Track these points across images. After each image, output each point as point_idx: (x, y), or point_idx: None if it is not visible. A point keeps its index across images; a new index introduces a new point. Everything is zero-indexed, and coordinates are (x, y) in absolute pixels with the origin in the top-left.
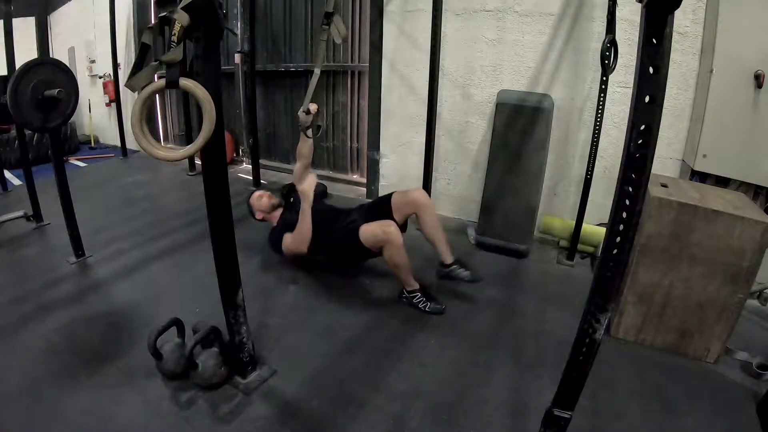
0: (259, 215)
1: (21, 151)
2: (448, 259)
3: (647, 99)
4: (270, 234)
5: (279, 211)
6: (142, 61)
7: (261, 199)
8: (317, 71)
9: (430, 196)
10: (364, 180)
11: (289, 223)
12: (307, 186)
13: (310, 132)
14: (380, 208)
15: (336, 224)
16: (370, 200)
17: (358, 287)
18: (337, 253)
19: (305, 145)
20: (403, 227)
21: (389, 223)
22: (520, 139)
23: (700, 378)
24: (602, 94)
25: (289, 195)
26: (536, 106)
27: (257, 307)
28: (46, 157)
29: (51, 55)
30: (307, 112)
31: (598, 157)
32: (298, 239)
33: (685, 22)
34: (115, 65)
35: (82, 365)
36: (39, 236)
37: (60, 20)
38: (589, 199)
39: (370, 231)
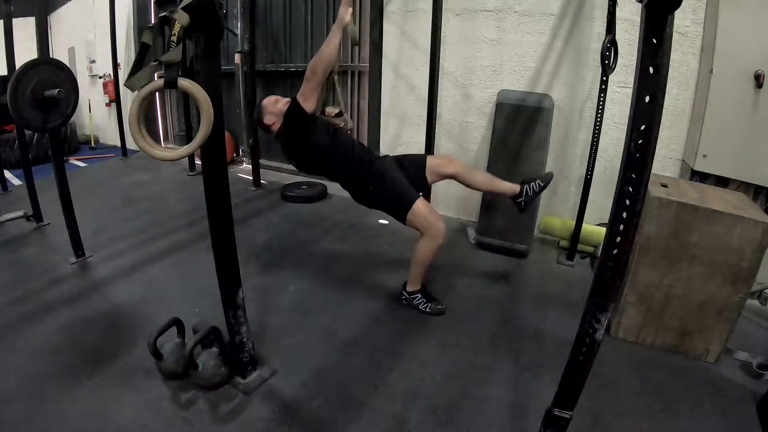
0: (269, 119)
1: (21, 151)
2: (515, 189)
3: (647, 99)
4: (277, 136)
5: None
6: (141, 60)
7: (277, 104)
8: (335, 77)
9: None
10: None
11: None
12: (344, 10)
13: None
14: (415, 166)
15: (371, 159)
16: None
17: (358, 287)
18: (366, 189)
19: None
20: (429, 189)
21: (441, 219)
22: (520, 139)
23: (700, 378)
24: (602, 94)
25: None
26: (536, 106)
27: (257, 307)
28: (46, 157)
29: (51, 55)
30: (338, 114)
31: (598, 157)
32: (316, 60)
33: (685, 22)
34: (115, 65)
35: (82, 365)
36: (39, 236)
37: (60, 20)
38: (589, 199)
39: (425, 215)
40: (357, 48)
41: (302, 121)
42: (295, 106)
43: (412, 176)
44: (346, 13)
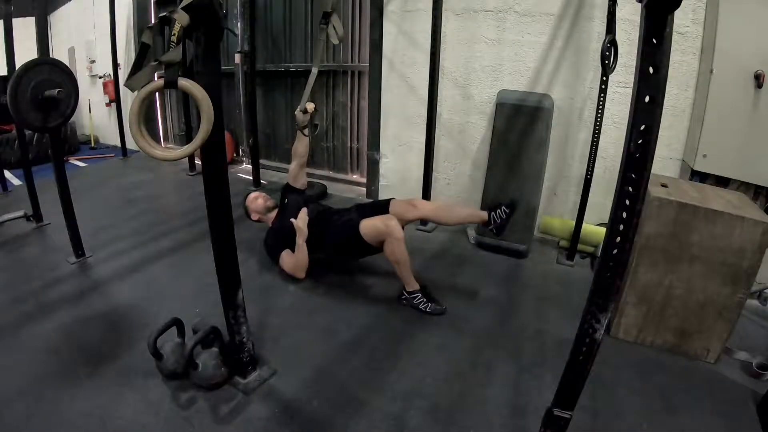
0: (254, 216)
1: (21, 151)
2: (484, 216)
3: (647, 99)
4: (266, 237)
5: (274, 213)
6: (141, 60)
7: (256, 201)
8: (315, 71)
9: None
10: (364, 180)
11: (284, 229)
12: (301, 221)
13: (307, 131)
14: (378, 210)
15: (332, 222)
16: (368, 200)
17: (358, 287)
18: (336, 248)
19: (301, 144)
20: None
21: (390, 217)
22: (520, 139)
23: (700, 378)
24: (602, 94)
25: (284, 196)
26: (536, 106)
27: (257, 307)
28: (46, 157)
29: (51, 55)
30: (305, 111)
31: (598, 157)
32: (294, 267)
33: (685, 22)
34: (115, 65)
35: (82, 365)
36: (39, 236)
37: (60, 20)
38: (589, 199)
39: (371, 224)
40: (357, 48)
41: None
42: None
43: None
44: (303, 227)
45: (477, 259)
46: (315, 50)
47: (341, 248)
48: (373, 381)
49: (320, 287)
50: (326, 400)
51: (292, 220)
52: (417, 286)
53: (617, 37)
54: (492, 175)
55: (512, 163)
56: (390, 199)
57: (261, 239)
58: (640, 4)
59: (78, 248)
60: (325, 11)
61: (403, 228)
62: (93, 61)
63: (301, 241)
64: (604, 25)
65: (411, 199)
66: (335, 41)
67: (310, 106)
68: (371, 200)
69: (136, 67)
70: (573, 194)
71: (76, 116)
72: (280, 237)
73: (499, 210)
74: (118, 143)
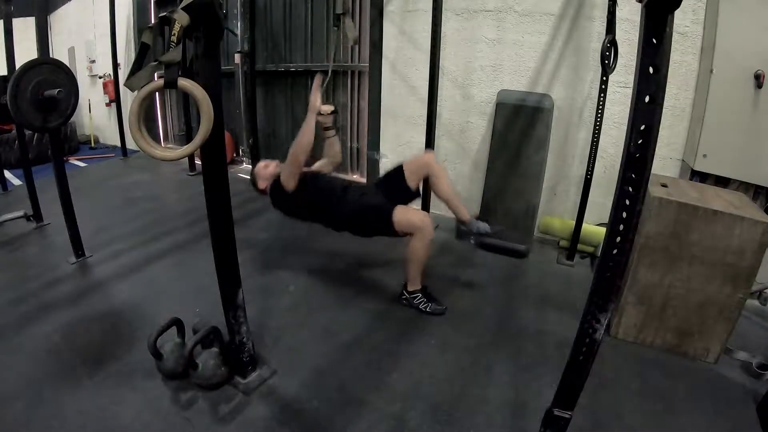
0: (262, 184)
1: (21, 151)
2: (466, 215)
3: (647, 99)
4: (274, 200)
5: None
6: (141, 60)
7: (267, 168)
8: (328, 74)
9: (429, 197)
10: (364, 180)
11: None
12: (314, 98)
13: (331, 132)
14: (395, 178)
15: (348, 194)
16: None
17: (358, 287)
18: (354, 224)
19: (333, 147)
20: (417, 191)
21: (426, 214)
22: (520, 139)
23: (700, 378)
24: (602, 94)
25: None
26: (536, 106)
27: (257, 307)
28: (46, 157)
29: (51, 55)
30: (328, 112)
31: (598, 157)
32: (296, 149)
33: (685, 22)
34: (115, 65)
35: (82, 365)
36: (39, 236)
37: (60, 20)
38: (589, 199)
39: (407, 216)
40: (357, 48)
41: (286, 199)
42: (278, 186)
43: (395, 190)
44: (315, 100)
45: (477, 259)
46: (328, 53)
47: (360, 226)
48: (373, 381)
49: (320, 287)
50: (326, 400)
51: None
52: (419, 286)
53: (617, 37)
54: (492, 175)
55: (512, 163)
56: (401, 164)
57: (261, 239)
58: (640, 4)
59: (78, 248)
60: (337, 13)
61: (419, 186)
62: (93, 61)
63: (311, 117)
64: (604, 25)
65: (421, 157)
66: (351, 42)
67: (327, 108)
68: (383, 174)
69: (136, 67)
70: (573, 194)
71: (76, 116)
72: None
73: (483, 224)
74: (118, 143)
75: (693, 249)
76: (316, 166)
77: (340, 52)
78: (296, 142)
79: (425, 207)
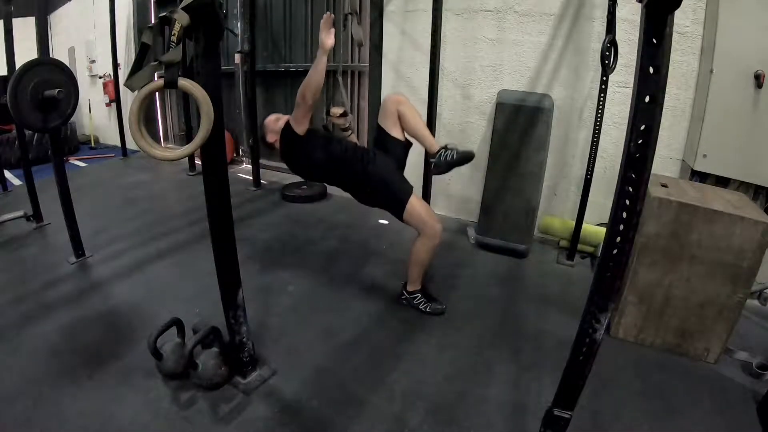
0: (272, 137)
1: (21, 151)
2: (435, 147)
3: (647, 99)
4: (282, 153)
5: None
6: (141, 60)
7: (278, 122)
8: (339, 79)
9: (430, 196)
10: None
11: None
12: (324, 35)
13: (348, 132)
14: (383, 139)
15: (356, 156)
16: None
17: (358, 287)
18: (363, 193)
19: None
20: (407, 141)
21: (438, 221)
22: (520, 139)
23: (700, 378)
24: (602, 94)
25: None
26: (536, 106)
27: (257, 307)
28: (46, 157)
29: (51, 55)
30: (338, 114)
31: (598, 157)
32: (304, 90)
33: (685, 22)
34: (115, 65)
35: (82, 365)
36: (39, 236)
37: (60, 20)
38: (589, 199)
39: (421, 214)
40: (357, 48)
41: (296, 142)
42: (288, 129)
43: (388, 147)
44: (327, 38)
45: (477, 259)
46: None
47: (373, 197)
48: (373, 381)
49: (320, 287)
50: (326, 400)
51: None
52: (419, 286)
53: (617, 37)
54: (492, 175)
55: (512, 163)
56: (377, 124)
57: (261, 239)
58: (640, 4)
59: (78, 248)
60: (346, 13)
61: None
62: (93, 61)
63: (321, 53)
64: (604, 25)
65: (384, 102)
66: (359, 44)
67: (338, 110)
68: (374, 136)
69: (136, 67)
70: (573, 194)
71: (76, 116)
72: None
73: (451, 152)
74: (118, 143)
75: (693, 249)
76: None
77: (340, 52)
78: (306, 82)
79: (426, 197)
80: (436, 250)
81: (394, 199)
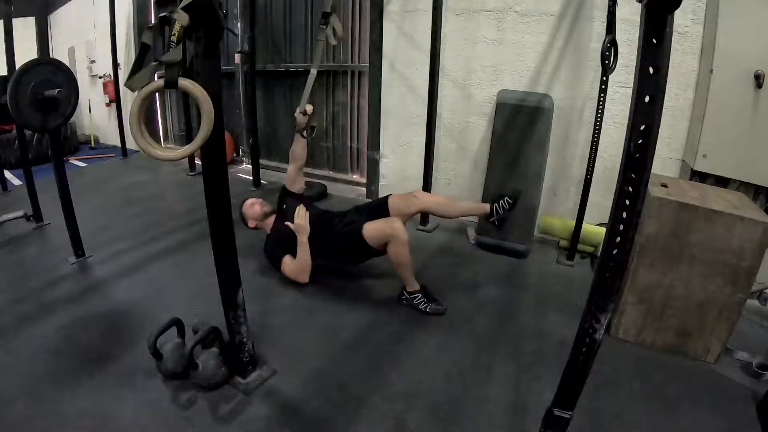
0: (251, 224)
1: (21, 151)
2: (487, 208)
3: (647, 99)
4: (266, 244)
5: (272, 219)
6: (141, 60)
7: (253, 207)
8: (314, 72)
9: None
10: (364, 180)
11: (282, 234)
12: (300, 218)
13: (305, 132)
14: (378, 209)
15: (334, 227)
16: (367, 201)
17: (358, 287)
18: (339, 254)
19: (299, 146)
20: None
21: (394, 219)
22: (520, 139)
23: (700, 378)
24: (602, 94)
25: (281, 202)
26: (536, 106)
27: (257, 307)
28: (46, 157)
29: (51, 55)
30: (304, 113)
31: (598, 157)
32: (297, 270)
33: (685, 22)
34: (115, 65)
35: (82, 365)
36: (39, 236)
37: (60, 20)
38: (589, 199)
39: (375, 227)
40: (357, 48)
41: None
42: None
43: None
44: (304, 224)
45: (477, 259)
46: (315, 51)
47: (345, 254)
48: (373, 381)
49: (320, 287)
50: (326, 400)
51: (288, 223)
52: (417, 287)
53: (617, 37)
54: (492, 175)
55: (512, 163)
56: (388, 196)
57: (261, 239)
58: (640, 4)
59: (78, 248)
60: (325, 11)
61: (404, 224)
62: (93, 61)
63: (303, 238)
64: (604, 25)
65: (411, 192)
66: (333, 42)
67: (309, 108)
68: (369, 200)
69: (136, 67)
70: (573, 194)
71: (76, 116)
72: (280, 243)
73: (501, 201)
74: (118, 143)
75: (693, 249)
76: (288, 177)
77: (332, 51)
78: (298, 264)
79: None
80: (408, 246)
81: (354, 239)
